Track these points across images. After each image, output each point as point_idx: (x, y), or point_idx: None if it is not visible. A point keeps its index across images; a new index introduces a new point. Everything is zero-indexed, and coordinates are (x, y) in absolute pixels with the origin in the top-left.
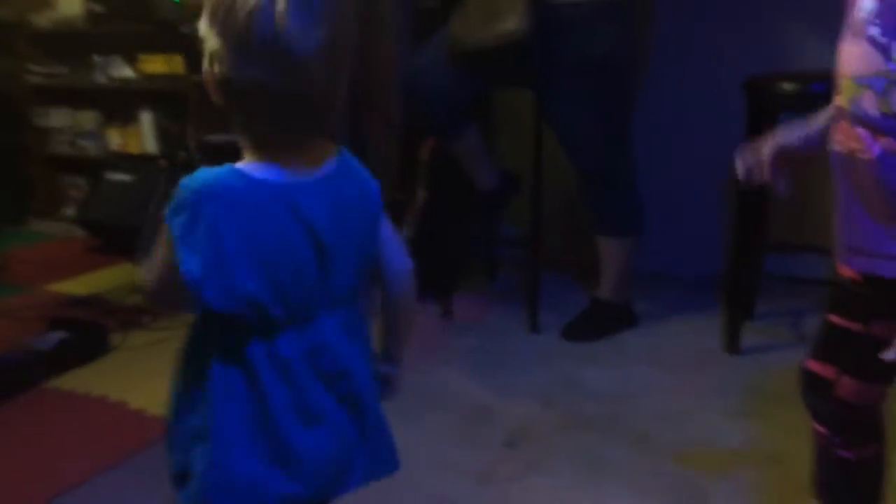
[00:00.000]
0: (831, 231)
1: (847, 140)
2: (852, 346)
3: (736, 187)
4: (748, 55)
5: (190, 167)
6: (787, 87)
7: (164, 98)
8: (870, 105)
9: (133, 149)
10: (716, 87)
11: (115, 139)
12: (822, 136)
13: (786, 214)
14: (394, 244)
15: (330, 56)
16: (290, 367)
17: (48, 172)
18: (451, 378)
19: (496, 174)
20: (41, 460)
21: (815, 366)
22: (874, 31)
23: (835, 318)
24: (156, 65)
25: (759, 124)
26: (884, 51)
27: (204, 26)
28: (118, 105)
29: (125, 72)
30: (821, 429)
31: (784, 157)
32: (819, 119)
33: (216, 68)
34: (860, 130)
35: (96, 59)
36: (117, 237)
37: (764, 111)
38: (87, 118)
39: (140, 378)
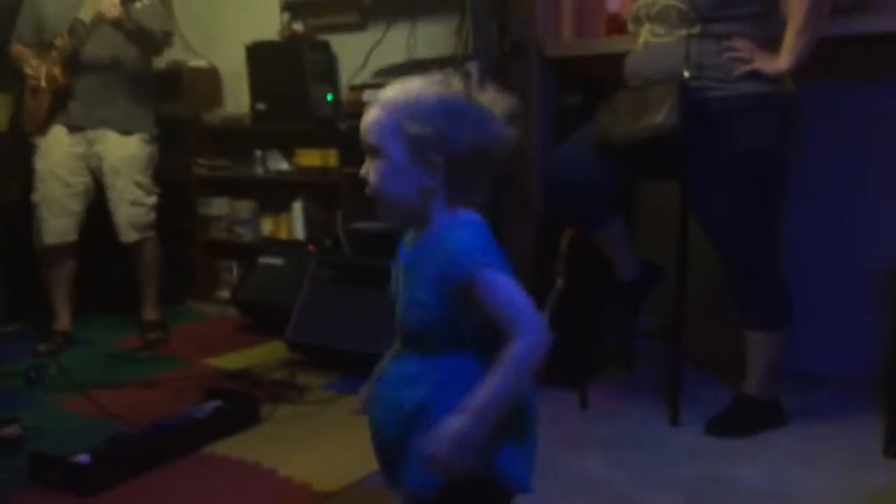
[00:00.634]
0: None
1: None
2: None
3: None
4: None
5: (336, 252)
6: None
7: (315, 188)
8: None
9: (283, 235)
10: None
11: (268, 226)
12: None
13: None
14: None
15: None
16: None
17: (206, 256)
18: (589, 465)
19: (638, 264)
20: None
21: None
22: None
23: None
24: (311, 158)
25: None
26: None
27: None
28: (273, 195)
29: (281, 165)
30: None
31: None
32: None
33: None
34: None
35: (257, 153)
36: (267, 316)
37: None
38: (244, 207)
39: (288, 448)
